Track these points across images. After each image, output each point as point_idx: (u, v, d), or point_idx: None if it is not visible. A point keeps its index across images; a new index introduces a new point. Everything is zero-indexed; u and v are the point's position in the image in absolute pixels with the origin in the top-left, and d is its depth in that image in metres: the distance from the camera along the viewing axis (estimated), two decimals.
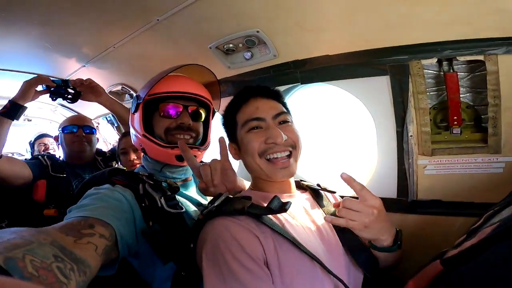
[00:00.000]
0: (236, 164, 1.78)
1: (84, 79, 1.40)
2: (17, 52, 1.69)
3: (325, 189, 1.00)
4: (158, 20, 1.22)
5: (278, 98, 0.92)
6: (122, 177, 0.89)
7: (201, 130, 1.03)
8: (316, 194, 0.97)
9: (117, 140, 1.80)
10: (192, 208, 0.97)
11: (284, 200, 0.75)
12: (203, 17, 1.20)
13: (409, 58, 1.07)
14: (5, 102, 2.39)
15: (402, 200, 1.24)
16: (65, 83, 1.33)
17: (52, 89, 1.30)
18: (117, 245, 0.69)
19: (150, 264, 0.81)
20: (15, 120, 1.25)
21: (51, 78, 1.31)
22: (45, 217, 1.46)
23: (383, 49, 1.09)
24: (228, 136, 0.96)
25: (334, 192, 1.02)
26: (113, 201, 0.77)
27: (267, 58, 1.31)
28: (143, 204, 0.82)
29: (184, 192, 1.00)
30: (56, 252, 0.47)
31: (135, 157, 1.62)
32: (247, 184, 1.07)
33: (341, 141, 2.02)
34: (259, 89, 0.91)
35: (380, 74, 1.15)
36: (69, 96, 1.37)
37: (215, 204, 0.74)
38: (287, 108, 0.93)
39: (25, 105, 1.26)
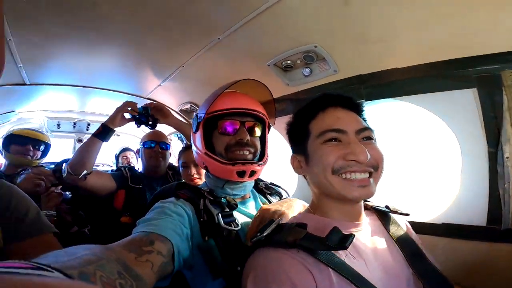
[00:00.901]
0: (294, 182, 1.77)
1: (156, 101, 1.56)
2: (108, 72, 1.96)
3: (395, 212, 0.89)
4: (219, 39, 1.28)
5: (360, 112, 0.81)
6: (186, 191, 0.95)
7: (258, 145, 1.03)
8: (383, 217, 0.87)
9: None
10: (249, 224, 0.98)
11: (346, 232, 0.68)
12: (260, 34, 1.21)
13: (501, 67, 0.90)
14: (96, 117, 2.81)
15: (494, 229, 1.05)
16: (145, 110, 1.52)
17: (136, 116, 1.50)
18: (173, 259, 0.74)
19: (202, 278, 0.84)
20: (105, 141, 1.46)
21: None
22: (121, 223, 1.64)
23: (467, 58, 0.94)
24: (293, 146, 0.89)
25: (407, 215, 0.90)
26: (175, 215, 0.83)
27: (327, 74, 1.27)
28: (201, 219, 0.86)
29: (243, 208, 1.02)
30: (119, 269, 0.51)
31: (195, 172, 1.68)
32: (298, 205, 1.01)
33: (415, 162, 1.81)
34: (340, 98, 0.79)
35: (465, 87, 0.99)
36: (150, 122, 1.56)
37: (265, 234, 0.71)
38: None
39: (115, 128, 1.47)
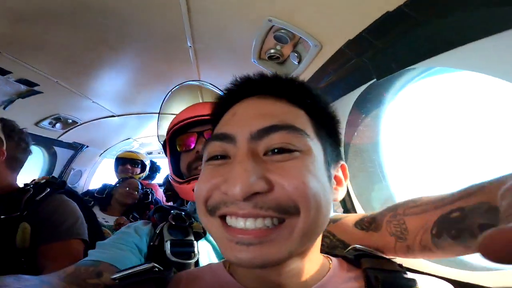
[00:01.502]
0: None
1: None
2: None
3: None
4: (190, 46, 1.14)
5: (298, 98, 0.46)
6: (159, 215, 0.87)
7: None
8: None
9: None
10: (213, 260, 0.78)
11: None
12: (213, 25, 1.01)
13: None
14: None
15: None
16: None
17: None
18: None
19: None
20: None
21: None
22: None
23: None
24: None
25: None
26: (132, 240, 0.74)
27: (314, 53, 0.88)
28: (151, 243, 0.75)
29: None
30: None
31: None
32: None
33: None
34: (257, 82, 0.48)
35: None
36: None
37: (116, 276, 0.51)
38: (323, 122, 0.47)
39: None
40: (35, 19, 0.97)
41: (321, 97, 0.48)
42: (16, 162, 1.22)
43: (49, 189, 1.18)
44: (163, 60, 1.34)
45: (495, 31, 0.50)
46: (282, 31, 0.88)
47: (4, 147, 1.14)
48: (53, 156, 2.43)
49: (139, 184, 2.22)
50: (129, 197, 2.09)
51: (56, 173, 2.49)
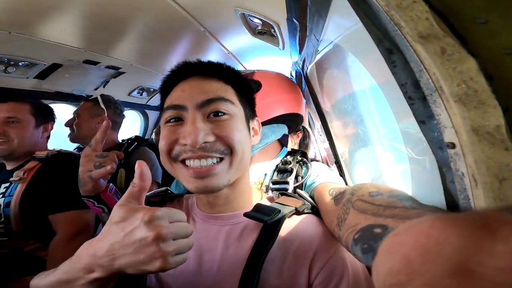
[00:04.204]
0: None
1: None
2: None
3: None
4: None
5: (225, 76, 0.64)
6: None
7: None
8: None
9: None
10: None
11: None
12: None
13: None
14: None
15: None
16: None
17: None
18: None
19: None
20: None
21: None
22: None
23: None
24: None
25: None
26: None
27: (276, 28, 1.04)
28: None
29: None
30: None
31: None
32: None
33: None
34: (197, 65, 0.65)
35: None
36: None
37: (148, 194, 0.75)
38: (243, 92, 0.67)
39: None
40: (107, 24, 1.41)
41: (241, 75, 0.68)
42: (115, 124, 1.69)
43: (136, 143, 1.62)
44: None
45: None
46: (252, 18, 1.06)
47: (106, 114, 1.60)
48: (145, 117, 3.19)
49: None
50: None
51: (150, 129, 3.28)
